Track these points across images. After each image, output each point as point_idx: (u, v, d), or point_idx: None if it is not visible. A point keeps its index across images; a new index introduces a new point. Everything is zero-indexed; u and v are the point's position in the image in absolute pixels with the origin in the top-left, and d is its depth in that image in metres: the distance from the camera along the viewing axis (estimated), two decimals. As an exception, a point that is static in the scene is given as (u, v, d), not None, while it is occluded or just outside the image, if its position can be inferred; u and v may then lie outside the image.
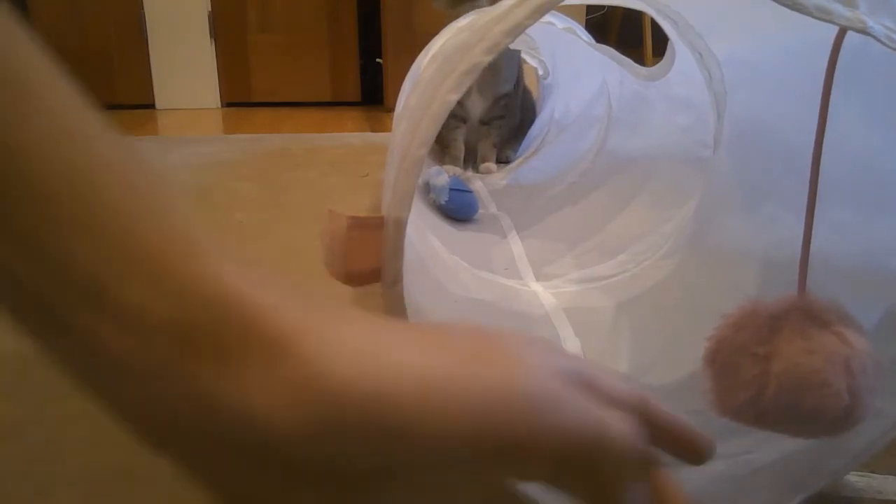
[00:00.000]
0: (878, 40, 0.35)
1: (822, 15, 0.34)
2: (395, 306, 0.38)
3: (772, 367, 0.40)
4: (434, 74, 0.42)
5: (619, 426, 0.22)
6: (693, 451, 0.26)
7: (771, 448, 0.47)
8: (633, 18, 2.35)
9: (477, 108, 1.52)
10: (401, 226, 0.36)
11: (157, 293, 0.18)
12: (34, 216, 0.17)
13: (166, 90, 2.53)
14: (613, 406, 0.22)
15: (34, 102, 0.18)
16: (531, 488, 0.22)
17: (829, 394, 0.38)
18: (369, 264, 0.37)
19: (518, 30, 0.36)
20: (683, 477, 0.27)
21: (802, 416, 0.39)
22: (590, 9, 2.48)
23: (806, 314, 0.41)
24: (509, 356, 0.21)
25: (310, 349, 0.18)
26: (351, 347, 0.19)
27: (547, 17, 0.65)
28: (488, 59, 0.37)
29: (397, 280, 0.37)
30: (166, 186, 0.20)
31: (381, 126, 2.21)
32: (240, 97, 2.66)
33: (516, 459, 0.20)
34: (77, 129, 0.19)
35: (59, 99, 0.19)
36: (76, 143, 0.19)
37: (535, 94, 1.67)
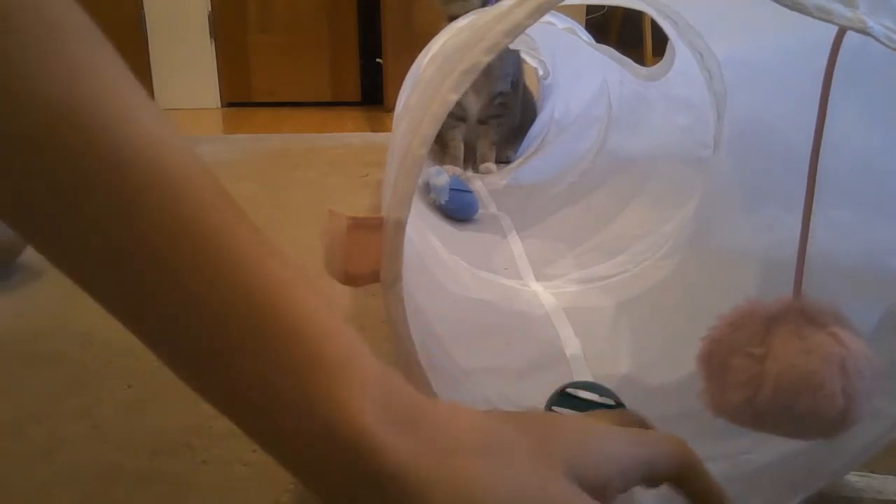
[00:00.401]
0: (878, 40, 0.35)
1: (822, 15, 0.34)
2: (395, 306, 0.38)
3: (767, 368, 0.40)
4: (434, 74, 0.42)
5: None
6: None
7: (770, 448, 0.47)
8: (633, 18, 2.35)
9: (473, 106, 1.52)
10: (401, 226, 0.36)
11: (310, 430, 0.23)
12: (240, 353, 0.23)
13: (166, 90, 2.53)
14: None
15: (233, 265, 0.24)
16: None
17: (825, 395, 0.38)
18: (369, 265, 0.37)
19: (518, 30, 0.36)
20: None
21: (798, 417, 0.39)
22: (590, 9, 2.48)
23: (803, 315, 0.41)
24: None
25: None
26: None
27: (547, 17, 0.65)
28: (488, 58, 0.37)
29: (397, 280, 0.37)
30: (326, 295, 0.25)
31: (381, 126, 2.21)
32: (240, 97, 2.66)
33: None
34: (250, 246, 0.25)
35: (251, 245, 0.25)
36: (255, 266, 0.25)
37: (535, 94, 1.67)
